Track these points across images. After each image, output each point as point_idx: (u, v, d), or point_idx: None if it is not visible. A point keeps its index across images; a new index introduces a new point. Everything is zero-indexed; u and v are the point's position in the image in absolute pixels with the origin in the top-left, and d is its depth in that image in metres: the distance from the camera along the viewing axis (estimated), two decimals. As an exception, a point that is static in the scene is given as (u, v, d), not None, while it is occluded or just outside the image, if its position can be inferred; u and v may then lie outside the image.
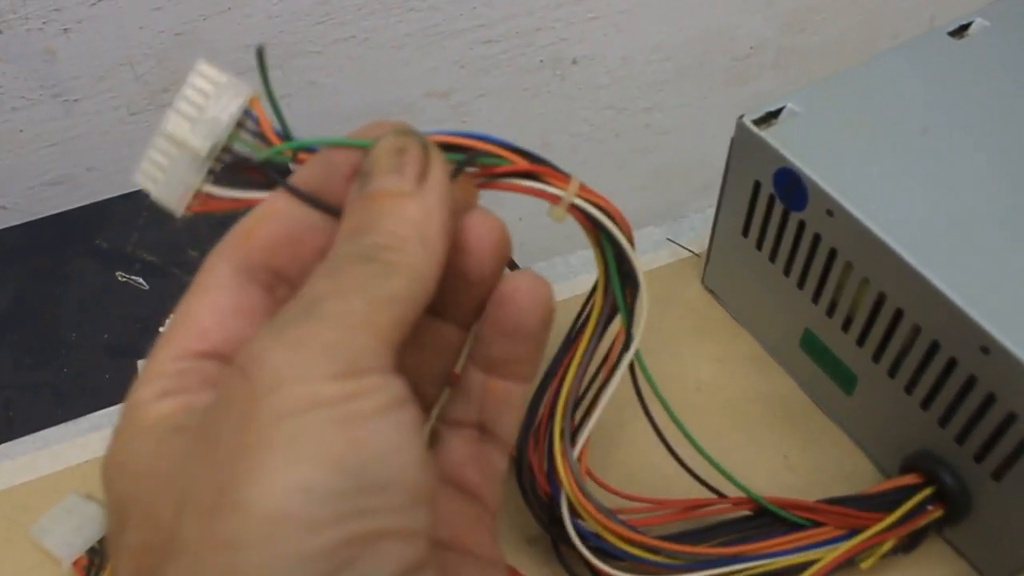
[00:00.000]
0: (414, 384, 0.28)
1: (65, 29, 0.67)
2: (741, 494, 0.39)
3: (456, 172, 0.27)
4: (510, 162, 0.27)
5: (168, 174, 0.26)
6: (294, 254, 0.27)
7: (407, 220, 0.24)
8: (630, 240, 0.30)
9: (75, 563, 0.40)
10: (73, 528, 0.41)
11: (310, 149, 0.27)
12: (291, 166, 0.27)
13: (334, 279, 0.24)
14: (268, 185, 0.27)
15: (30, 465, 0.45)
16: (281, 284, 0.27)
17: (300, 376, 0.21)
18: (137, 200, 0.68)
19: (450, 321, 0.30)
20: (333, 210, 0.26)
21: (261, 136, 0.27)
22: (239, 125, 0.26)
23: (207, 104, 0.26)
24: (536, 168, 0.27)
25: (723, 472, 0.38)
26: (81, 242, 0.66)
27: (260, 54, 0.25)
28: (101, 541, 0.41)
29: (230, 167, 0.27)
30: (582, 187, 0.28)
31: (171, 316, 0.27)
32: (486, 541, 0.31)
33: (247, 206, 0.27)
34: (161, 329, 0.37)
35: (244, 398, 0.21)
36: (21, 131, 0.70)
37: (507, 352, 0.29)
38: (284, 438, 0.20)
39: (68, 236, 0.67)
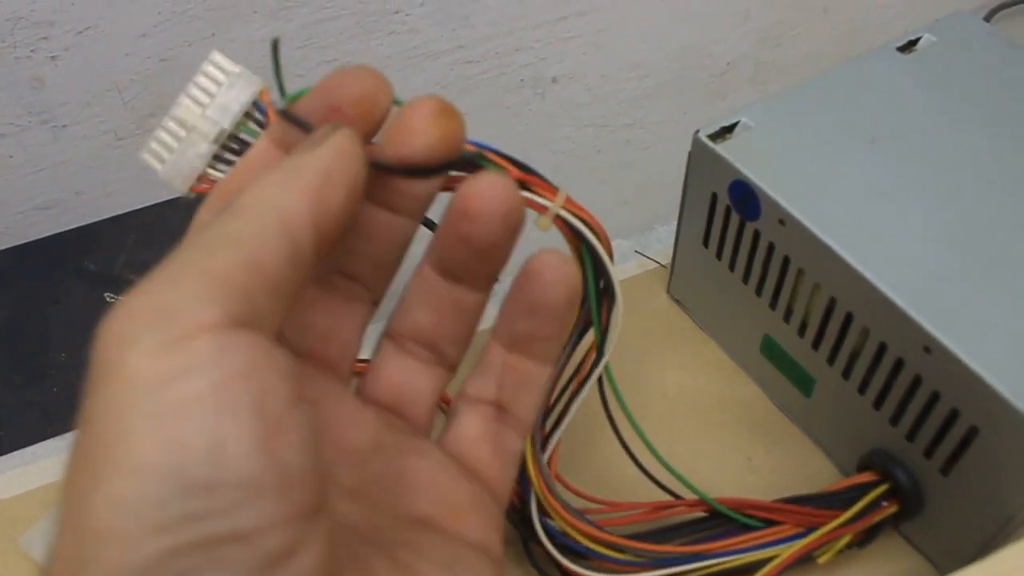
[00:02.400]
0: (432, 344, 0.30)
1: (52, 56, 0.69)
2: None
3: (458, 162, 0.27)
4: (503, 169, 0.27)
5: (175, 155, 0.27)
6: None
7: (265, 177, 0.23)
8: (609, 254, 0.31)
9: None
10: (60, 538, 0.43)
11: None
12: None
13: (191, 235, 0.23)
14: None
15: (20, 478, 0.46)
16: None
17: (123, 355, 0.19)
18: (125, 222, 0.70)
19: (464, 284, 0.29)
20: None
21: (267, 127, 0.28)
22: (247, 115, 0.27)
23: (219, 92, 0.27)
24: (526, 178, 0.28)
25: (678, 477, 0.40)
26: (70, 264, 0.67)
27: (275, 47, 0.26)
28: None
29: (239, 155, 0.28)
30: (568, 199, 0.29)
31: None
32: (482, 526, 0.30)
33: None
34: None
35: (88, 389, 0.20)
36: (10, 157, 0.71)
37: (529, 329, 0.29)
38: (103, 443, 0.19)
39: (57, 259, 0.68)
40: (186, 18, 0.71)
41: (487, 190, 0.26)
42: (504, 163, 0.28)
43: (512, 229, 0.26)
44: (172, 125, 0.27)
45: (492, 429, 0.31)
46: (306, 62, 0.79)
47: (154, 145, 0.27)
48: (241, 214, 0.22)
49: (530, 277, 0.28)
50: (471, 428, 0.31)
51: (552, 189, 0.28)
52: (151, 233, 0.70)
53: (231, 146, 0.28)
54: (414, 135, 0.26)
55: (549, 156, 1.03)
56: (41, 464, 0.47)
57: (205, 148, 0.27)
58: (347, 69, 0.26)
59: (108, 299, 0.65)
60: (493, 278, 0.29)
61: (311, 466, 0.21)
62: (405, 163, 0.26)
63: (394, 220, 0.28)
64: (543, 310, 0.28)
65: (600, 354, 0.34)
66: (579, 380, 0.36)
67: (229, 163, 0.28)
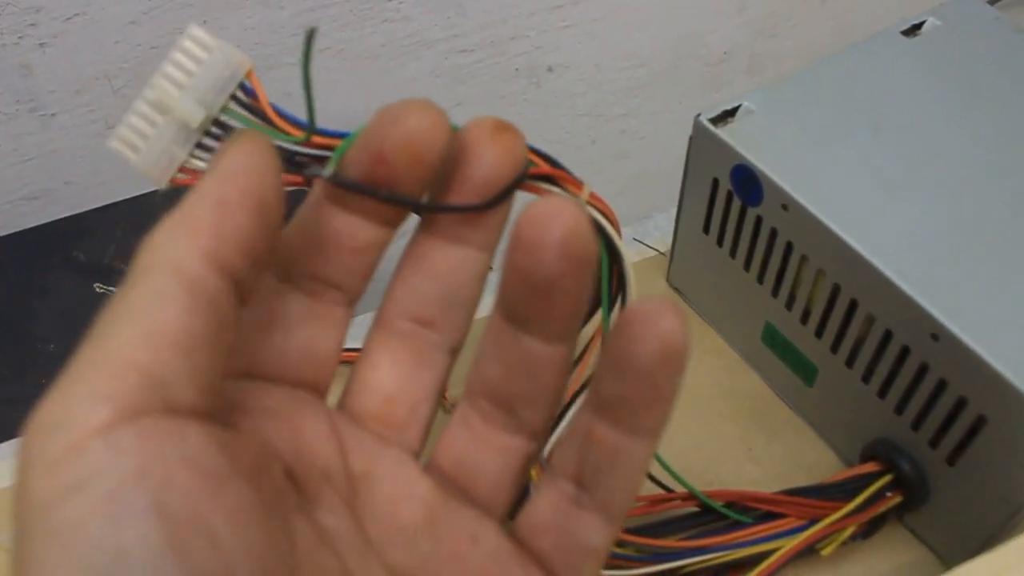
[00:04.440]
0: (505, 404, 0.25)
1: (41, 44, 0.68)
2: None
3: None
4: (535, 164, 0.26)
5: (151, 143, 0.24)
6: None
7: (156, 230, 0.21)
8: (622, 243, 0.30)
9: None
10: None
11: (330, 135, 0.24)
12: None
13: None
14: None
15: (6, 471, 0.45)
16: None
17: (24, 476, 0.18)
18: (115, 212, 0.69)
19: (532, 333, 0.24)
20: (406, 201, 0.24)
21: (257, 112, 0.24)
22: (232, 96, 0.24)
23: (198, 71, 0.24)
24: (555, 172, 0.27)
25: (669, 471, 0.39)
26: (59, 255, 0.66)
27: (309, 37, 0.23)
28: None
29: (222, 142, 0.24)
30: (591, 194, 0.28)
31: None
32: None
33: None
34: None
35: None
36: (-1, 146, 0.71)
37: (616, 392, 0.23)
38: (17, 565, 0.18)
39: (46, 249, 0.67)
40: (176, 5, 0.70)
41: (543, 213, 0.21)
42: (537, 158, 0.26)
43: (576, 260, 0.22)
44: (146, 109, 0.23)
45: (566, 513, 0.25)
46: (299, 50, 0.78)
47: (125, 132, 0.23)
48: (137, 280, 0.20)
49: (620, 327, 0.22)
50: (540, 511, 0.25)
51: (577, 183, 0.27)
52: (141, 223, 0.68)
53: (214, 131, 0.24)
54: (473, 158, 0.23)
55: (544, 146, 1.02)
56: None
57: (186, 135, 0.24)
58: (392, 108, 0.22)
59: (98, 289, 0.64)
60: (568, 327, 0.24)
61: (245, 562, 0.19)
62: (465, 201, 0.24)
63: (462, 253, 0.25)
64: (628, 369, 0.22)
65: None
66: (582, 371, 0.35)
67: (211, 151, 0.24)
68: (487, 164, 0.23)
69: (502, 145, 0.23)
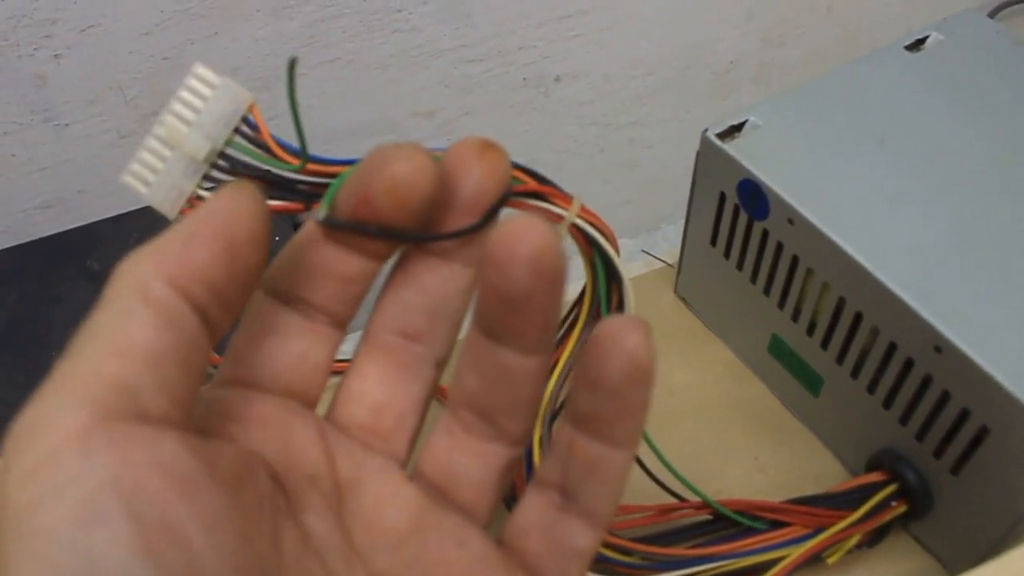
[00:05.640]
0: (486, 413, 0.26)
1: (55, 55, 0.69)
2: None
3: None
4: (523, 182, 0.27)
5: (161, 177, 0.25)
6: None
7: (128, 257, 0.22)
8: (617, 256, 0.30)
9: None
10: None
11: (326, 162, 0.26)
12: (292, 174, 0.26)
13: None
14: (267, 194, 0.25)
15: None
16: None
17: (6, 475, 0.19)
18: (127, 222, 0.70)
19: (507, 346, 0.25)
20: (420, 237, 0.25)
21: (260, 143, 0.26)
22: (236, 130, 0.26)
23: (204, 107, 0.25)
24: (543, 189, 0.27)
25: (682, 480, 0.40)
26: (72, 264, 0.67)
27: (291, 66, 0.24)
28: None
29: (228, 174, 0.26)
30: (582, 207, 0.28)
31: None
32: None
33: None
34: None
35: None
36: (13, 155, 0.71)
37: (590, 406, 0.24)
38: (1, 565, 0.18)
39: (59, 258, 0.68)
40: (189, 16, 0.71)
41: (513, 231, 0.22)
42: (525, 176, 0.27)
43: (546, 277, 0.23)
44: (156, 145, 0.25)
45: (552, 518, 0.26)
46: (308, 60, 0.79)
47: (137, 167, 0.25)
48: (103, 304, 0.21)
49: (589, 346, 0.23)
50: (527, 516, 0.26)
51: (567, 198, 0.28)
52: (154, 232, 0.69)
53: (220, 164, 0.26)
54: (458, 180, 0.24)
55: (552, 155, 1.03)
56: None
57: (194, 168, 0.25)
58: (381, 151, 0.23)
59: (111, 298, 0.65)
60: (541, 339, 0.25)
61: (220, 565, 0.19)
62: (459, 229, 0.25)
63: (448, 269, 0.26)
64: (600, 386, 0.23)
65: None
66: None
67: (218, 182, 0.26)
68: (473, 184, 0.24)
69: (486, 164, 0.24)
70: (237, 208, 0.22)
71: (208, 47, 0.74)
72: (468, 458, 0.27)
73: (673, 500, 0.41)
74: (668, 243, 0.55)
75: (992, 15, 0.62)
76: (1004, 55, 0.48)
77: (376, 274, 0.26)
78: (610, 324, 0.23)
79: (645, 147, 1.04)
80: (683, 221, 0.49)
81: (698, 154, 0.45)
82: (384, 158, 0.23)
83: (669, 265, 0.54)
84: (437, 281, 0.26)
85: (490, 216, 0.25)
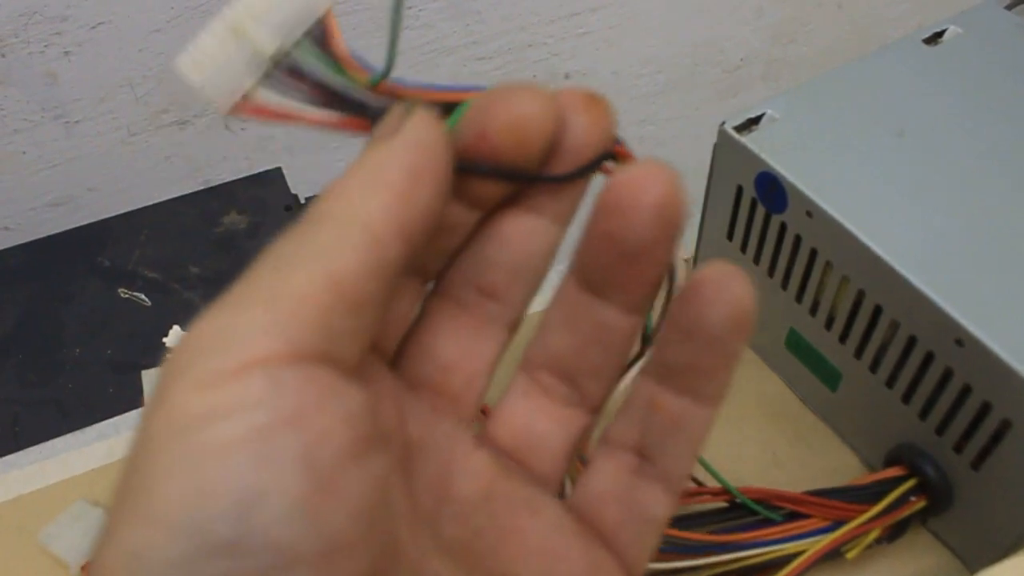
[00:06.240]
0: (570, 376, 0.25)
1: (66, 52, 0.69)
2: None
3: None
4: (622, 141, 0.24)
5: (220, 68, 0.23)
6: None
7: (345, 180, 0.21)
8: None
9: (83, 567, 0.41)
10: (80, 533, 0.42)
11: (406, 85, 0.23)
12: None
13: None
14: (327, 106, 0.24)
15: (38, 473, 0.46)
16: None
17: (169, 386, 0.18)
18: (138, 218, 0.70)
19: (611, 302, 0.24)
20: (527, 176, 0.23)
21: (331, 52, 0.24)
22: (308, 33, 0.23)
23: (279, 1, 0.23)
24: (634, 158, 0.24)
25: (703, 464, 0.39)
26: (83, 261, 0.67)
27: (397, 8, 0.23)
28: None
29: (291, 77, 0.23)
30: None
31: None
32: None
33: (295, 122, 0.24)
34: (165, 340, 0.38)
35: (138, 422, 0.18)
36: (24, 153, 0.71)
37: (683, 358, 0.23)
38: (131, 485, 0.17)
39: (70, 255, 0.68)
40: (199, 13, 0.71)
41: (641, 176, 0.21)
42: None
43: (667, 227, 0.22)
44: (220, 29, 0.22)
45: (627, 484, 0.25)
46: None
47: (195, 52, 0.22)
48: (320, 224, 0.20)
49: (688, 293, 0.22)
50: (601, 481, 0.25)
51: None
52: (164, 229, 0.69)
53: (283, 66, 0.23)
54: (563, 129, 0.23)
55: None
56: (58, 459, 0.47)
57: (257, 64, 0.23)
58: (502, 89, 0.22)
59: (123, 295, 0.65)
60: (647, 296, 0.24)
61: (364, 534, 0.18)
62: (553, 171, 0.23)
63: (536, 223, 0.24)
64: (699, 334, 0.22)
65: (647, 343, 0.29)
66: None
67: (277, 88, 0.24)
68: (577, 134, 0.23)
69: (593, 115, 0.23)
70: (440, 139, 0.21)
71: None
72: (546, 423, 0.25)
73: (691, 484, 0.41)
74: (682, 237, 0.55)
75: (1010, 8, 0.62)
76: (1023, 48, 0.48)
77: (469, 227, 0.24)
78: (711, 271, 0.22)
79: (656, 145, 1.04)
80: (697, 216, 0.49)
81: (715, 147, 0.45)
82: (506, 95, 0.22)
83: (684, 260, 0.54)
84: (523, 236, 0.24)
85: (592, 167, 0.24)
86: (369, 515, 0.18)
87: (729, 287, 0.22)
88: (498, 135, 0.22)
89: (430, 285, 0.25)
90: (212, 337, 0.18)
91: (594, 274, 0.23)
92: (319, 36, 0.23)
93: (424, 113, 0.21)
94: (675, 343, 0.23)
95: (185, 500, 0.16)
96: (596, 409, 0.26)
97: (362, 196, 0.20)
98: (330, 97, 0.23)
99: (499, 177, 0.23)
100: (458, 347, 0.25)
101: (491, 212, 0.24)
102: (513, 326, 0.25)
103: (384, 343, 0.24)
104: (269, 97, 0.23)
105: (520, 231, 0.24)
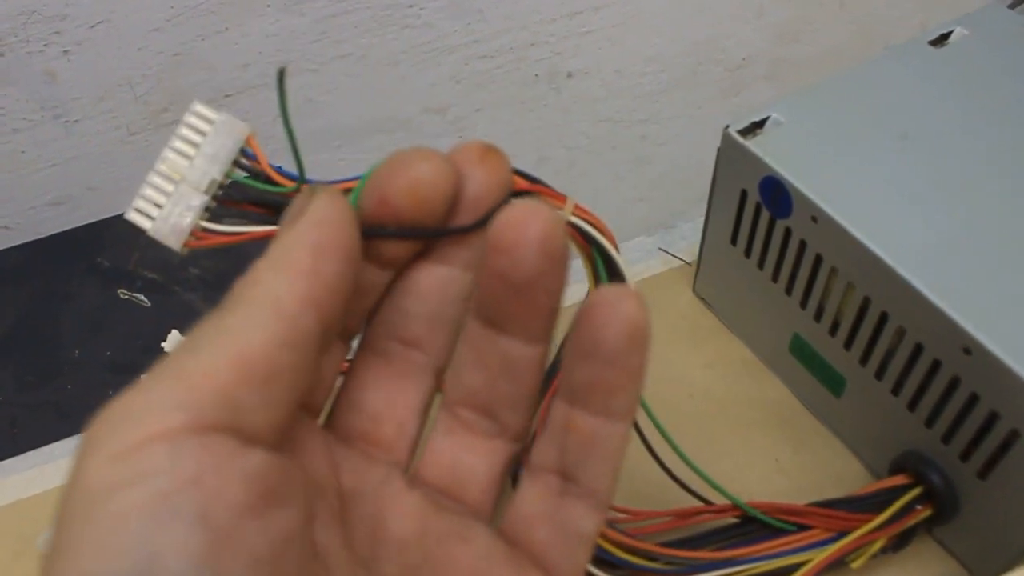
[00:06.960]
0: (487, 409, 0.26)
1: (65, 51, 0.68)
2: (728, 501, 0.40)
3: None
4: (536, 195, 0.27)
5: (165, 211, 0.26)
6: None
7: (256, 264, 0.22)
8: (616, 251, 0.30)
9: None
10: (78, 540, 0.42)
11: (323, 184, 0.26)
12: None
13: None
14: (268, 220, 0.27)
15: (37, 478, 0.46)
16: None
17: (83, 461, 0.19)
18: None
19: (512, 335, 0.25)
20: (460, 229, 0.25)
21: (258, 173, 0.27)
22: (235, 162, 0.27)
23: (204, 142, 0.26)
24: (534, 188, 0.27)
25: (708, 481, 0.39)
26: (82, 261, 0.67)
27: (281, 76, 0.25)
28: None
29: (229, 204, 0.27)
30: (576, 205, 0.28)
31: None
32: None
33: (244, 240, 0.27)
34: (163, 345, 0.37)
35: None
36: (23, 152, 0.71)
37: (588, 378, 0.24)
38: (56, 548, 0.19)
39: (70, 255, 0.68)
40: (199, 12, 0.70)
41: (519, 216, 0.23)
42: (512, 177, 0.27)
43: (552, 260, 0.23)
44: (158, 180, 0.26)
45: (554, 505, 0.26)
46: (319, 56, 0.78)
47: (141, 203, 0.26)
48: (233, 308, 0.21)
49: (583, 316, 0.24)
50: (527, 504, 0.26)
51: (560, 196, 0.28)
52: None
53: (220, 196, 0.27)
54: (460, 183, 0.25)
55: (564, 152, 1.03)
56: (57, 464, 0.46)
57: (197, 200, 0.26)
58: (399, 155, 0.24)
59: (122, 295, 0.64)
60: (545, 326, 0.25)
61: None
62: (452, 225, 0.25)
63: (447, 272, 0.26)
64: (597, 353, 0.23)
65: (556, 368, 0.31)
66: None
67: (220, 213, 0.27)
68: (475, 186, 0.24)
69: (488, 166, 0.25)
70: (344, 213, 0.23)
71: (218, 43, 0.73)
72: (472, 457, 0.27)
73: (696, 503, 0.41)
74: (685, 241, 0.54)
75: (1012, 7, 0.62)
76: (1029, 51, 0.47)
77: (385, 286, 0.26)
78: (603, 292, 0.23)
79: (657, 144, 1.03)
80: (700, 218, 0.49)
81: (719, 151, 0.44)
82: (402, 160, 0.24)
83: (687, 264, 0.53)
84: (437, 286, 0.26)
85: (493, 215, 0.25)
86: (271, 566, 0.19)
87: (621, 307, 0.23)
88: (397, 198, 0.23)
89: (355, 342, 0.27)
90: (122, 413, 0.19)
91: (493, 310, 0.25)
92: (246, 161, 0.27)
93: (326, 191, 0.23)
94: (578, 364, 0.24)
95: (96, 565, 0.18)
96: (518, 436, 0.27)
97: (271, 277, 0.22)
98: (269, 210, 0.27)
99: (405, 237, 0.24)
100: (385, 397, 0.26)
101: (404, 268, 0.26)
102: (439, 371, 0.27)
103: (314, 401, 0.25)
104: (217, 226, 0.26)
105: (433, 282, 0.26)
